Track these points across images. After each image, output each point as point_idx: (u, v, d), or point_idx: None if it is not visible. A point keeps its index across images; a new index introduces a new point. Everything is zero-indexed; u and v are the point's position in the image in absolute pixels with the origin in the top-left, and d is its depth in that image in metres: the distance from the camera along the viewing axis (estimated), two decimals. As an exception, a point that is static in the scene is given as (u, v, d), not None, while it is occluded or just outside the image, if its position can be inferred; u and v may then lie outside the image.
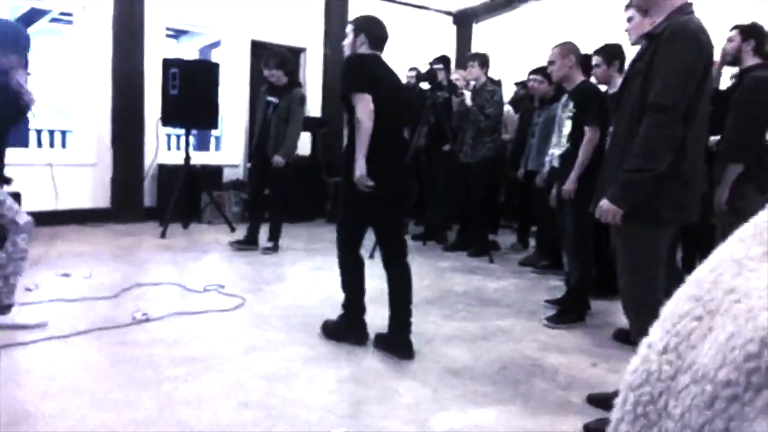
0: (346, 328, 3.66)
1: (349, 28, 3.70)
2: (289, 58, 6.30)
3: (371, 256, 5.20)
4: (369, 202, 3.40)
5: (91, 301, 4.24)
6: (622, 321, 3.49)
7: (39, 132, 8.67)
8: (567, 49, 4.29)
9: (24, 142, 7.72)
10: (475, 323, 4.19)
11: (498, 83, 6.93)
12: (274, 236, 6.24)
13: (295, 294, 4.75)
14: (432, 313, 4.38)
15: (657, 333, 0.58)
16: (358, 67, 3.46)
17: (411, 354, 3.46)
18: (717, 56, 3.51)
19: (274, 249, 6.21)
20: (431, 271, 5.66)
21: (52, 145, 8.84)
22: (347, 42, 3.67)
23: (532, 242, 6.73)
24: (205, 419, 2.64)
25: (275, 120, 6.03)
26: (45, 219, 5.81)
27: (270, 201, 6.28)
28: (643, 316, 2.58)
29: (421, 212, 7.66)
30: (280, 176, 6.04)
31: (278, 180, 6.08)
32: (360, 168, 3.31)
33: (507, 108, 7.13)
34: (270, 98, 6.14)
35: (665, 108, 2.46)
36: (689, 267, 2.82)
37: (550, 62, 4.36)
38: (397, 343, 3.49)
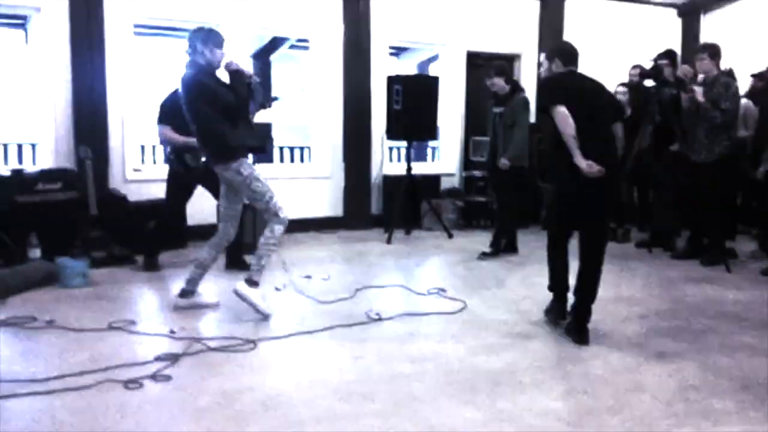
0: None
1: (542, 58, 4.39)
2: (506, 66, 6.41)
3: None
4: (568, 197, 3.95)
5: (331, 301, 4.68)
6: None
7: (281, 149, 9.69)
8: None
9: (269, 159, 8.66)
10: (712, 337, 3.92)
11: (731, 74, 6.36)
12: (509, 242, 6.40)
13: (512, 298, 4.82)
14: (662, 325, 4.18)
15: None
16: (548, 85, 4.08)
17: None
18: None
19: (514, 251, 6.41)
20: (659, 281, 5.38)
21: (292, 160, 9.81)
22: (544, 69, 4.33)
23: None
24: (433, 417, 2.81)
25: (502, 128, 6.19)
26: (290, 227, 6.52)
27: (500, 207, 6.51)
28: None
29: (646, 217, 7.26)
30: (505, 181, 6.18)
31: (508, 187, 6.22)
32: (579, 161, 3.69)
33: (746, 101, 6.51)
34: (496, 109, 6.31)
35: None
36: None
37: None
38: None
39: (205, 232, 6.56)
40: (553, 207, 4.05)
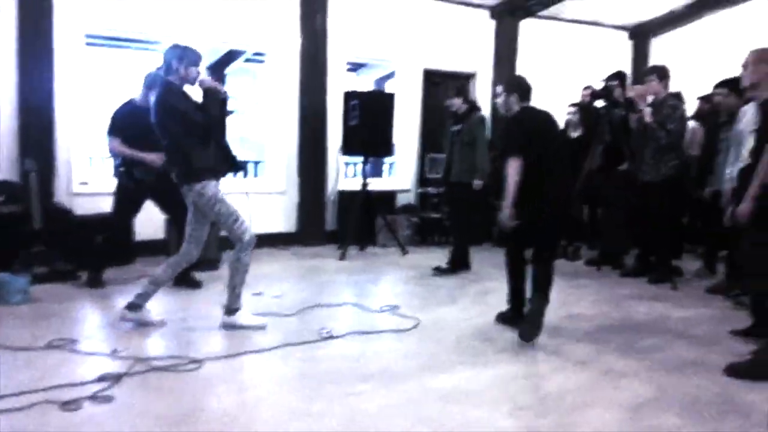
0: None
1: (500, 89, 4.48)
2: (465, 86, 6.53)
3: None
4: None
5: (281, 318, 4.61)
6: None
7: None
8: (762, 55, 3.95)
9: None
10: (659, 354, 3.98)
11: (679, 96, 6.55)
12: (463, 258, 6.44)
13: (466, 316, 4.82)
14: (611, 342, 4.23)
15: None
16: (510, 131, 4.32)
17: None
18: None
19: (467, 269, 6.43)
20: (608, 299, 5.45)
21: (245, 174, 9.71)
22: (500, 101, 4.45)
23: (720, 268, 6.23)
24: (387, 435, 2.78)
25: (459, 146, 6.31)
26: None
27: (454, 225, 6.56)
28: None
29: (596, 236, 7.39)
30: (466, 200, 6.29)
31: (463, 204, 6.32)
32: (505, 212, 4.12)
33: (693, 123, 6.70)
34: (454, 128, 6.46)
35: None
36: None
37: (744, 67, 4.04)
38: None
39: (153, 247, 6.47)
40: (513, 234, 4.31)
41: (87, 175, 7.03)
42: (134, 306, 4.32)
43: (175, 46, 4.19)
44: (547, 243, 4.34)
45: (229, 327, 4.30)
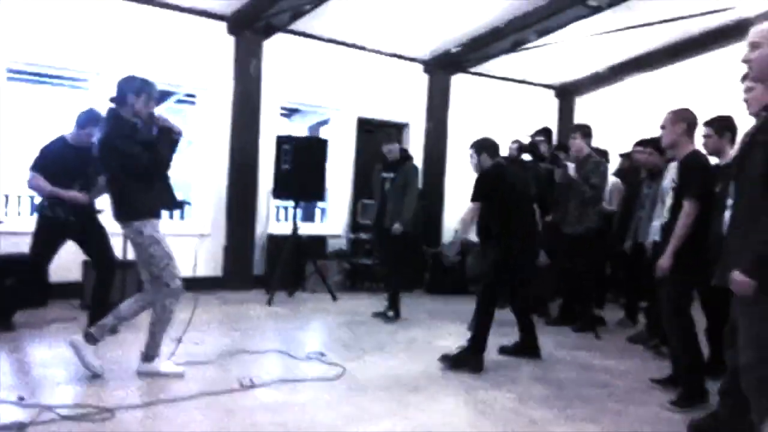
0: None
1: (471, 152, 5.05)
2: (399, 134, 6.64)
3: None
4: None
5: (199, 365, 4.42)
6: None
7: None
8: (680, 116, 4.14)
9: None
10: (581, 404, 4.03)
11: (604, 154, 6.84)
12: (394, 305, 6.41)
13: (393, 364, 4.77)
14: (534, 392, 4.26)
15: None
16: (481, 183, 4.90)
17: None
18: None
19: (396, 317, 6.38)
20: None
21: (171, 216, 9.44)
22: (473, 162, 5.03)
23: (641, 318, 6.43)
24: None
25: (392, 193, 6.36)
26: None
27: (387, 271, 6.59)
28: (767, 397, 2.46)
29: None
30: (396, 245, 6.33)
31: (397, 250, 6.35)
32: (453, 247, 5.32)
33: (614, 180, 6.97)
34: (385, 174, 6.51)
35: None
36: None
37: (662, 127, 4.22)
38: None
39: (67, 290, 6.16)
40: (493, 269, 4.90)
41: (2, 213, 6.69)
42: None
43: (132, 78, 4.05)
44: (525, 276, 5.12)
45: (145, 374, 4.10)
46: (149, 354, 4.14)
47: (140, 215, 3.97)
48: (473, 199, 4.89)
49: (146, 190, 3.99)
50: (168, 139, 4.03)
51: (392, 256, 6.53)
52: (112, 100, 4.01)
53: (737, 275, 2.56)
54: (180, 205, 4.59)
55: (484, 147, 5.03)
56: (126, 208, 3.99)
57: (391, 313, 6.38)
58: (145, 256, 4.01)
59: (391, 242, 6.43)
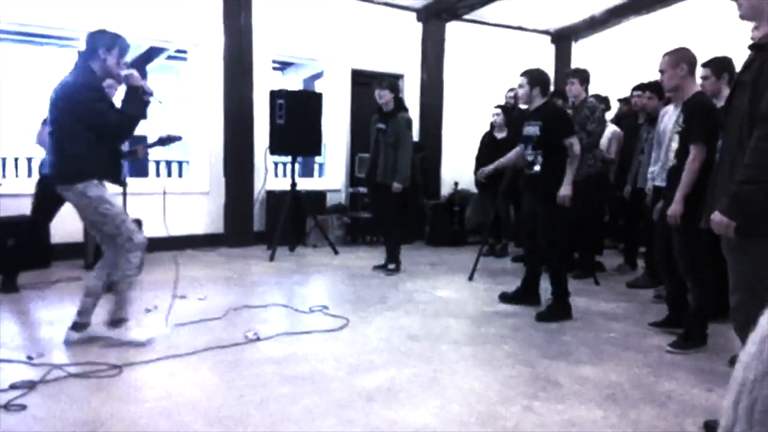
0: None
1: (523, 81, 4.88)
2: (396, 83, 6.47)
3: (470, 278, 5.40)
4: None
5: (205, 321, 4.49)
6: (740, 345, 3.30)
7: (158, 163, 9.31)
8: (678, 56, 3.98)
9: (143, 173, 8.28)
10: (582, 348, 4.10)
11: (605, 100, 6.76)
12: (394, 258, 6.42)
13: (396, 315, 4.83)
14: (535, 337, 4.32)
15: None
16: (568, 117, 5.09)
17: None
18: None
19: (397, 269, 6.40)
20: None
21: (169, 174, 9.44)
22: (523, 92, 4.92)
23: (640, 263, 6.49)
24: (312, 436, 2.74)
25: (384, 146, 6.21)
26: (162, 244, 6.23)
27: (385, 224, 6.53)
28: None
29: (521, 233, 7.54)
30: (393, 200, 6.23)
31: (391, 204, 6.27)
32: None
33: (614, 128, 6.91)
34: (379, 125, 6.32)
35: None
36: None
37: (661, 71, 4.07)
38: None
39: (69, 250, 6.20)
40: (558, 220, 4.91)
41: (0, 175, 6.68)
42: (78, 326, 3.94)
43: (103, 32, 3.75)
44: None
45: (110, 342, 3.87)
46: (116, 318, 3.91)
47: (85, 177, 3.68)
48: (573, 132, 5.00)
49: (97, 152, 3.70)
50: (136, 98, 3.80)
51: (389, 209, 6.41)
52: (82, 54, 3.74)
53: (716, 215, 2.56)
54: (121, 182, 4.18)
55: (540, 82, 4.91)
56: (71, 167, 3.70)
57: (392, 266, 6.41)
58: (96, 217, 3.75)
59: (383, 196, 6.31)
